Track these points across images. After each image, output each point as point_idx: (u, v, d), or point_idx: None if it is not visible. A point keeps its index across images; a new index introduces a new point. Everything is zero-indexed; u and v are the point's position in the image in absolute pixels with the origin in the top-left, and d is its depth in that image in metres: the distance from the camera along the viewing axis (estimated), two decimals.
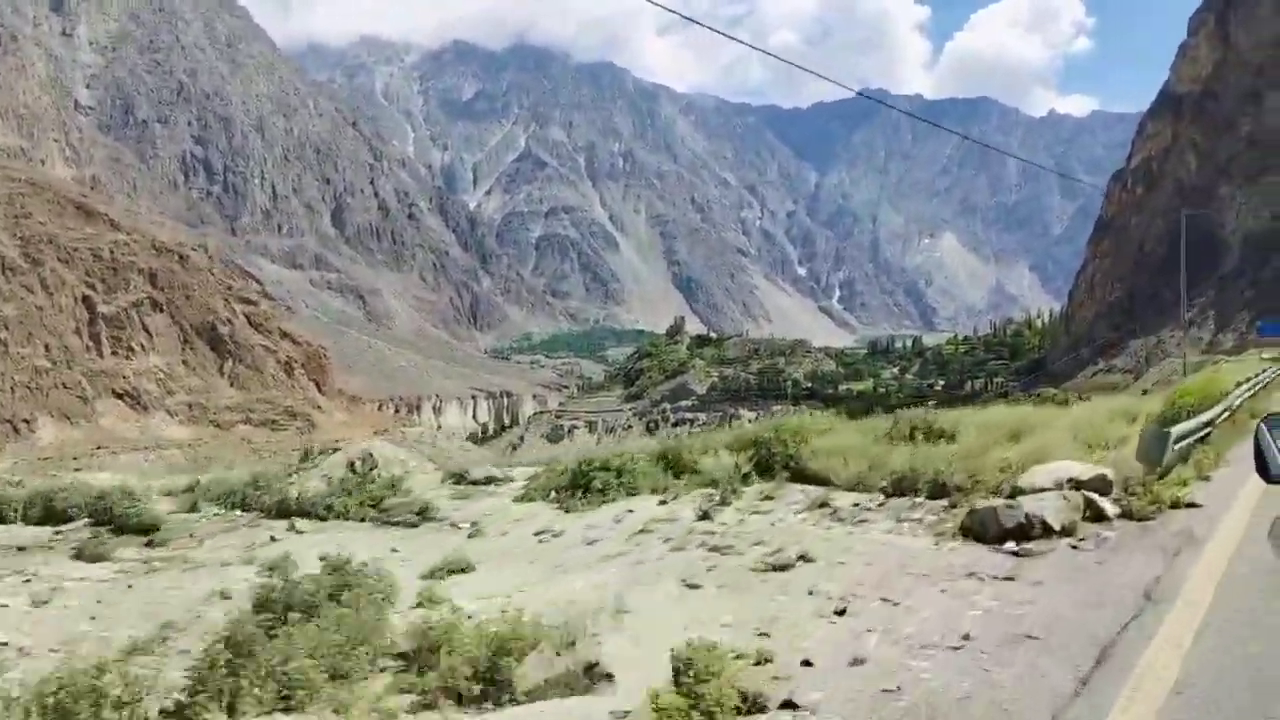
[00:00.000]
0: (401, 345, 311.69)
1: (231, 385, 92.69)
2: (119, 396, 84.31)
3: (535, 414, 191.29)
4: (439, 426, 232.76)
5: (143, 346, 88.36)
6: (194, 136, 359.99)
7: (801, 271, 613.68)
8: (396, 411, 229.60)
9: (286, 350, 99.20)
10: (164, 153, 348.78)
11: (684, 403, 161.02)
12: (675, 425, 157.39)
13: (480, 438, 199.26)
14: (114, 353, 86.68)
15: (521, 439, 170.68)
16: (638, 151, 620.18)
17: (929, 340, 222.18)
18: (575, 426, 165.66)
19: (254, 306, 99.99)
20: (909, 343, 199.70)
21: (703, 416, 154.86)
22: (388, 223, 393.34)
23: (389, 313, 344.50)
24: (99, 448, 73.86)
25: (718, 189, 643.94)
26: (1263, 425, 3.56)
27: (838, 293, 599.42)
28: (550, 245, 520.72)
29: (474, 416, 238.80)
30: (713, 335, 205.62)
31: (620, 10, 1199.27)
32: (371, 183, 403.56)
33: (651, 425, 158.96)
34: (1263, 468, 3.37)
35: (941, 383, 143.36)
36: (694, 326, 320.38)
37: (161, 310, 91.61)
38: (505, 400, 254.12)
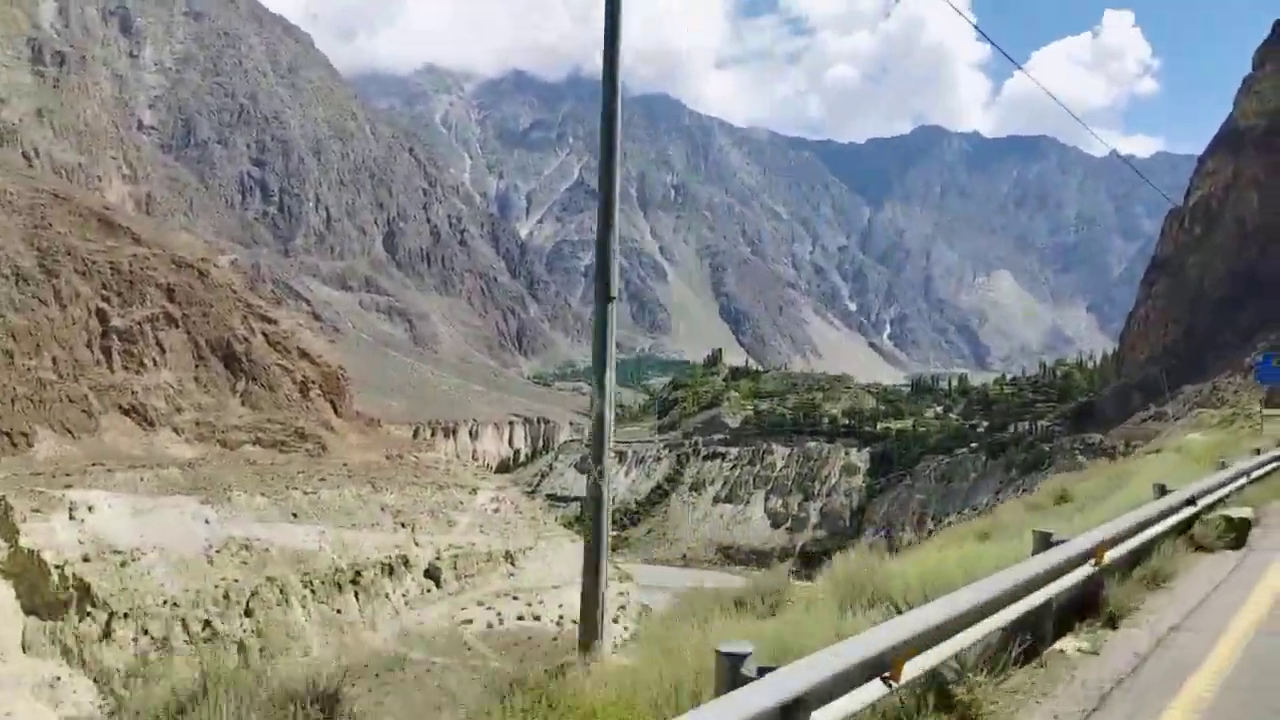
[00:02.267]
0: (445, 369, 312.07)
1: (244, 404, 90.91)
2: (125, 412, 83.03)
3: (565, 442, 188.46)
4: (474, 452, 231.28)
5: (154, 362, 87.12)
6: (252, 158, 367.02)
7: (852, 307, 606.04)
8: (432, 434, 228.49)
9: (304, 370, 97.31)
10: (222, 173, 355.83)
11: (716, 436, 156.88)
12: (706, 459, 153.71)
13: (511, 465, 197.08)
14: (125, 367, 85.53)
15: (550, 467, 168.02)
16: (690, 183, 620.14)
17: (981, 380, 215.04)
18: None
19: (273, 325, 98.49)
20: (954, 381, 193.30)
21: (734, 451, 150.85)
22: (439, 248, 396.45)
23: (435, 336, 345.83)
24: (94, 464, 72.31)
25: (770, 222, 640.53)
26: None
27: (888, 329, 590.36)
28: None
29: (509, 442, 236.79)
30: (751, 367, 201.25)
31: (678, 43, 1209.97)
32: (424, 208, 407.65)
33: (682, 458, 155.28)
34: None
35: (985, 424, 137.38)
36: (741, 359, 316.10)
37: (177, 326, 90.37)
38: (542, 427, 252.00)
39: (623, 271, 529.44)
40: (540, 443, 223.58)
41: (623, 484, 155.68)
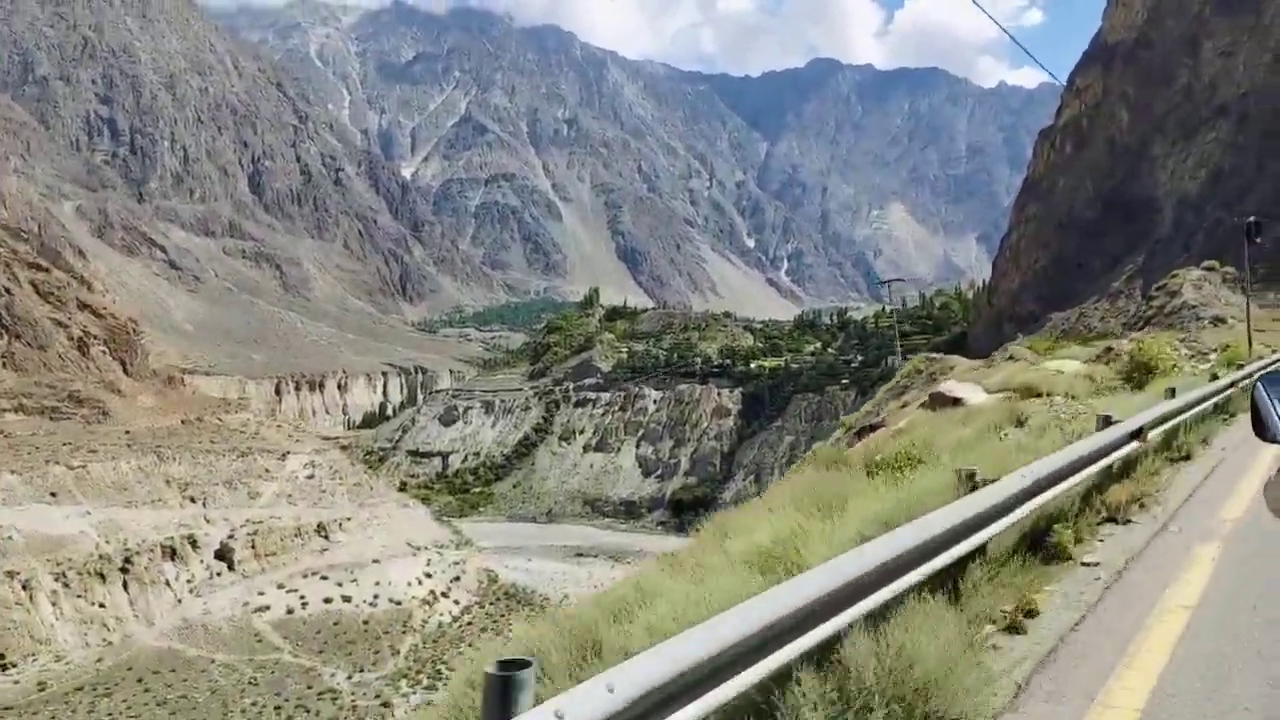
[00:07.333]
0: (318, 318, 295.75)
1: (4, 366, 78.42)
2: None
3: (431, 393, 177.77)
4: (344, 405, 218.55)
5: None
6: (99, 95, 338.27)
7: (750, 243, 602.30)
8: (297, 388, 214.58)
9: (84, 324, 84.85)
10: (65, 112, 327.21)
11: (588, 381, 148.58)
12: (577, 406, 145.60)
13: (376, 419, 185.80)
14: None
15: (414, 421, 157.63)
16: (583, 118, 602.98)
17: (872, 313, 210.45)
18: (471, 408, 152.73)
19: (45, 273, 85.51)
20: (834, 315, 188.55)
21: (606, 396, 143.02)
22: (310, 188, 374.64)
23: (307, 283, 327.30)
24: None
25: (665, 158, 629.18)
26: (1260, 385, 3.46)
27: (786, 265, 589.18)
28: (490, 214, 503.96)
29: (384, 393, 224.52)
30: (627, 307, 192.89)
31: None
32: (294, 146, 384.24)
33: (552, 406, 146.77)
34: (1260, 428, 3.32)
35: (859, 359, 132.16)
36: (640, 300, 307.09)
37: None
38: (419, 376, 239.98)
39: (515, 211, 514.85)
40: (415, 394, 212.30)
41: (489, 436, 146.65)
